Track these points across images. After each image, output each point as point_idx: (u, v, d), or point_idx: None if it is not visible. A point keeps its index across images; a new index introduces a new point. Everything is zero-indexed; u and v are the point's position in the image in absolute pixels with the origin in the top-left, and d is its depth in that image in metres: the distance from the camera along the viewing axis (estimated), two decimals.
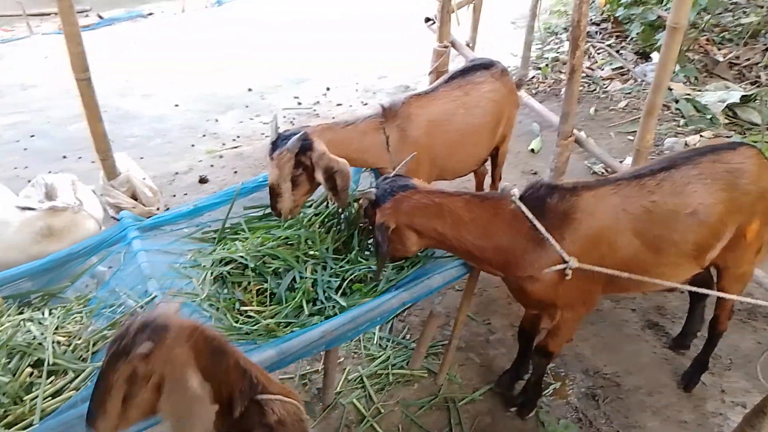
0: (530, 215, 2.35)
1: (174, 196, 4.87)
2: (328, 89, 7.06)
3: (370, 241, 2.84)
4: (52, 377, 2.18)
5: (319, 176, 2.66)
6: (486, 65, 3.39)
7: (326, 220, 2.98)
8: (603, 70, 6.87)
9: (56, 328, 2.37)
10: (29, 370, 2.17)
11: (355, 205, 2.87)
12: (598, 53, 7.21)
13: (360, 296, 2.59)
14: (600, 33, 7.60)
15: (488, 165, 3.90)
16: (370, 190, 2.49)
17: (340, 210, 2.94)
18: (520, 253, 2.42)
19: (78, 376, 2.17)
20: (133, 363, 1.50)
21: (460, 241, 2.43)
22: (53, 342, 2.27)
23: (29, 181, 3.53)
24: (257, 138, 5.83)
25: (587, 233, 2.40)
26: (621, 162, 4.43)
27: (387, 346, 3.46)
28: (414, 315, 3.70)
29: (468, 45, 5.81)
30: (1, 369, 2.15)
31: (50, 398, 2.10)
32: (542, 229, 2.33)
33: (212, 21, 9.85)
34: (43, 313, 2.50)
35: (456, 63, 5.39)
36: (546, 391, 3.17)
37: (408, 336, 3.54)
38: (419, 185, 2.46)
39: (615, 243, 2.44)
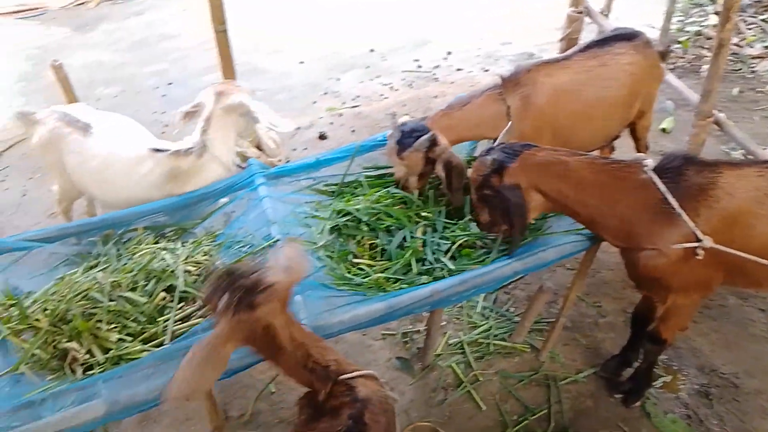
0: (662, 187, 2.21)
1: (294, 149, 5.06)
2: (449, 53, 6.94)
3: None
4: (182, 303, 2.37)
5: (440, 169, 2.74)
6: (628, 36, 3.16)
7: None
8: (753, 47, 6.21)
9: (186, 259, 2.57)
10: (163, 294, 2.37)
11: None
12: (749, 29, 6.52)
13: (468, 262, 2.58)
14: (753, 6, 6.86)
15: (616, 143, 3.70)
16: (487, 156, 2.44)
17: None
18: (647, 224, 2.29)
19: (204, 306, 2.35)
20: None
21: (584, 204, 2.35)
22: (184, 271, 2.47)
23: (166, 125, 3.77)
24: (376, 99, 5.89)
25: (723, 213, 2.22)
26: (765, 149, 4.02)
27: (490, 316, 3.44)
28: (519, 289, 3.63)
29: (602, 13, 5.47)
30: (140, 290, 2.37)
31: (180, 322, 2.30)
32: (675, 202, 2.19)
33: None
34: (175, 245, 2.72)
35: (588, 32, 5.12)
36: (655, 383, 3.02)
37: (512, 309, 3.49)
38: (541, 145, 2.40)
39: (753, 229, 2.23)
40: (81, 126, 3.09)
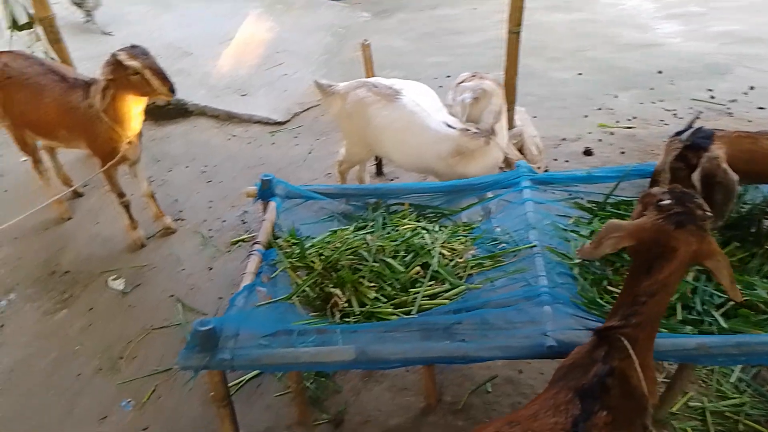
0: None
1: (555, 160, 4.95)
2: (751, 88, 6.11)
3: None
4: (432, 282, 2.49)
5: (695, 177, 2.37)
6: None
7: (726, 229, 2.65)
8: None
9: (443, 243, 2.70)
10: (418, 268, 2.53)
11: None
12: None
13: (744, 324, 2.26)
14: None
15: None
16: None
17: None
18: None
19: (452, 290, 2.45)
20: None
21: None
22: (439, 253, 2.60)
23: None
24: (655, 123, 5.46)
25: None
26: None
27: (745, 391, 2.99)
28: None
29: None
30: (399, 260, 2.56)
31: (427, 299, 2.42)
32: None
33: None
34: (434, 227, 2.87)
35: None
36: None
37: None
38: None
39: None
40: (390, 93, 3.55)
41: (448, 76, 6.60)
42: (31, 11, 4.40)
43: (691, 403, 2.93)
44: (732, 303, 2.30)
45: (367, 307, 2.33)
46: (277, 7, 8.43)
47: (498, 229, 2.80)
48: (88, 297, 3.87)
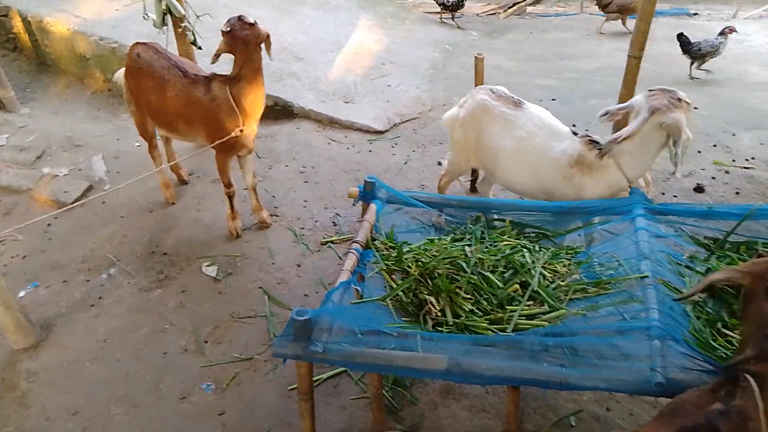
0: None
1: (663, 194, 4.68)
2: None
3: None
4: (531, 302, 2.40)
5: None
6: None
7: None
8: None
9: (544, 264, 2.59)
10: (516, 286, 2.44)
11: None
12: None
13: None
14: None
15: None
16: None
17: None
18: None
19: (550, 312, 2.34)
20: None
21: None
22: (540, 273, 2.49)
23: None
24: None
25: None
26: None
27: None
28: None
29: None
30: (498, 275, 2.49)
31: (524, 318, 2.33)
32: None
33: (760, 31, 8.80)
34: (535, 246, 2.77)
35: None
36: None
37: None
38: None
39: None
40: (514, 101, 3.46)
41: (554, 99, 6.44)
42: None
43: None
44: None
45: (462, 318, 2.27)
46: (389, 21, 8.58)
47: (606, 255, 2.65)
48: (182, 279, 4.03)
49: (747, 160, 5.22)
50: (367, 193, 2.95)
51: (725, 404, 1.52)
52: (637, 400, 2.99)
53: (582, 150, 3.10)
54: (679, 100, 2.93)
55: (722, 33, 6.78)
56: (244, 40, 3.44)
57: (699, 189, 4.73)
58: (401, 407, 3.02)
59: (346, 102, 6.27)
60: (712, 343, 2.20)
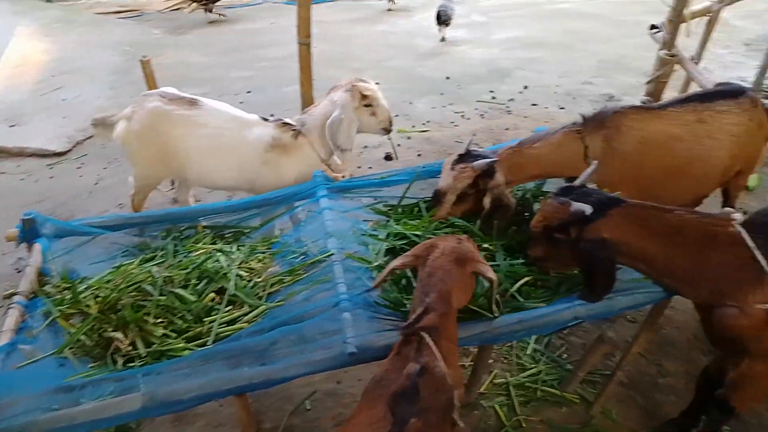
0: (751, 243, 2.06)
1: (359, 167, 5.06)
2: (525, 87, 6.85)
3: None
4: (230, 307, 2.34)
5: (486, 202, 2.68)
6: (732, 93, 2.94)
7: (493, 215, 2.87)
8: None
9: (240, 263, 2.56)
10: (212, 295, 2.36)
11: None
12: None
13: (530, 301, 2.45)
14: None
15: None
16: (565, 199, 2.29)
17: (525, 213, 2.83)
18: (732, 281, 2.13)
19: (251, 311, 2.32)
20: None
21: (670, 261, 2.19)
22: (236, 275, 2.45)
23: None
24: (447, 126, 5.85)
25: None
26: None
27: (540, 360, 3.27)
28: (576, 336, 3.45)
29: (692, 60, 5.24)
30: (191, 288, 2.37)
31: (225, 325, 2.26)
32: (763, 260, 2.04)
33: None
34: (231, 248, 2.72)
35: (675, 79, 4.90)
36: None
37: (565, 356, 3.31)
38: (627, 198, 2.25)
39: None
40: (188, 100, 3.31)
41: (249, 92, 6.46)
42: None
43: (496, 381, 3.14)
44: (521, 285, 2.47)
45: (155, 346, 2.11)
46: (55, 26, 7.60)
47: (298, 241, 2.73)
48: None
49: (424, 123, 5.93)
50: (28, 232, 2.55)
51: (418, 362, 1.67)
52: (360, 366, 3.19)
53: (276, 133, 3.25)
54: (354, 86, 3.31)
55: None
56: None
57: (388, 157, 5.22)
58: None
59: (11, 126, 5.40)
60: (399, 296, 2.41)
